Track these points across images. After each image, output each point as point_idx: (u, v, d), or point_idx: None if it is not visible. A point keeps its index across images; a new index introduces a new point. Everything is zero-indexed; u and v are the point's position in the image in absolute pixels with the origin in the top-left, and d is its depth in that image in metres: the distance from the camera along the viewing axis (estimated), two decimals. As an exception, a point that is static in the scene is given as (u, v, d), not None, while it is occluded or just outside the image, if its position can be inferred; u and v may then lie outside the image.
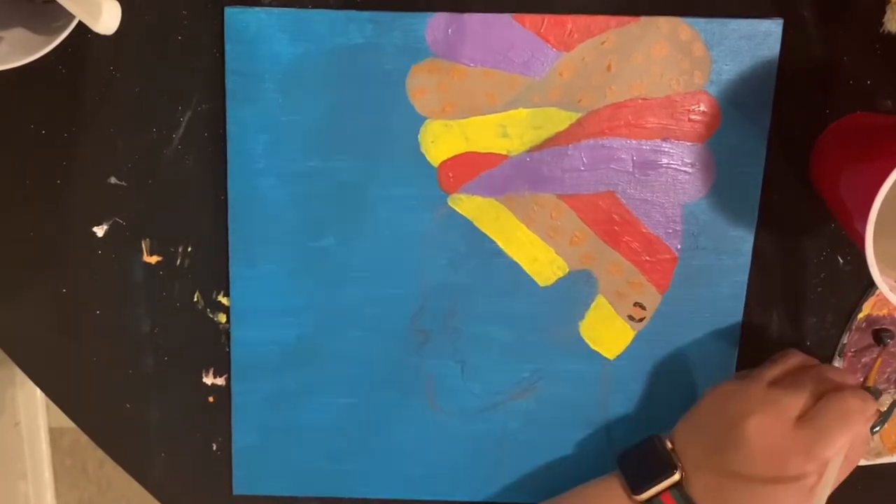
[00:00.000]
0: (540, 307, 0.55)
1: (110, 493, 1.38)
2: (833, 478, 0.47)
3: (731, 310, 0.55)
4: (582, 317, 0.56)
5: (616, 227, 0.54)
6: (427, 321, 0.56)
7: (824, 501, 0.47)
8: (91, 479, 1.37)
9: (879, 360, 0.54)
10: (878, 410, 0.49)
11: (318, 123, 0.53)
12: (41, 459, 1.33)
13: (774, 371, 0.51)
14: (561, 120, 0.53)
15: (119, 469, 0.59)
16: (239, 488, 0.59)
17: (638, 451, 0.52)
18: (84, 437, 0.67)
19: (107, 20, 0.43)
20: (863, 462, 0.58)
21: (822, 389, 0.49)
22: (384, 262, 0.55)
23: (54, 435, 1.34)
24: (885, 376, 0.57)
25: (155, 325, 0.57)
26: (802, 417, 0.48)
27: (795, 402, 0.48)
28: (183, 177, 0.54)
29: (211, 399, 0.58)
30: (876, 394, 0.49)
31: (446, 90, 0.52)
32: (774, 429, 0.47)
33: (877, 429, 0.49)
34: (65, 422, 0.64)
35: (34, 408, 1.31)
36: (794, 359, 0.53)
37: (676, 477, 0.50)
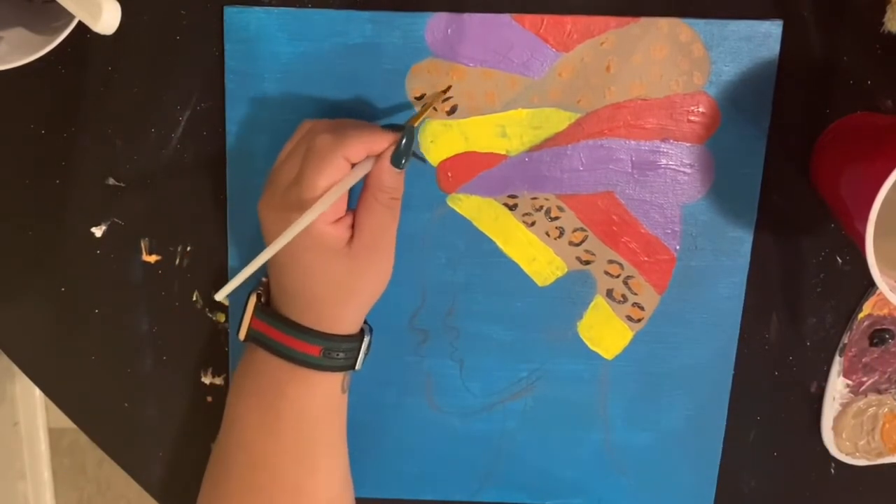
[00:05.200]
0: (538, 307, 0.55)
1: (109, 493, 1.38)
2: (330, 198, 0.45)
3: (730, 311, 0.55)
4: (580, 317, 0.56)
5: (615, 228, 0.54)
6: (426, 320, 0.56)
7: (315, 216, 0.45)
8: (90, 478, 1.37)
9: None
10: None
11: (318, 123, 0.53)
12: (40, 459, 1.33)
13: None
14: (560, 120, 0.53)
15: (118, 469, 0.59)
16: (238, 488, 0.59)
17: None
18: (83, 438, 0.67)
19: (107, 20, 0.43)
20: (863, 462, 0.58)
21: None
22: (383, 261, 0.55)
23: (53, 435, 1.34)
24: (887, 376, 0.57)
25: (154, 325, 0.57)
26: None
27: (287, 170, 0.47)
28: (182, 177, 0.54)
29: (209, 399, 0.58)
30: (409, 132, 0.46)
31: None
32: (273, 200, 0.47)
33: (402, 161, 0.46)
34: (64, 422, 0.64)
35: (33, 408, 1.31)
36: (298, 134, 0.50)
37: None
